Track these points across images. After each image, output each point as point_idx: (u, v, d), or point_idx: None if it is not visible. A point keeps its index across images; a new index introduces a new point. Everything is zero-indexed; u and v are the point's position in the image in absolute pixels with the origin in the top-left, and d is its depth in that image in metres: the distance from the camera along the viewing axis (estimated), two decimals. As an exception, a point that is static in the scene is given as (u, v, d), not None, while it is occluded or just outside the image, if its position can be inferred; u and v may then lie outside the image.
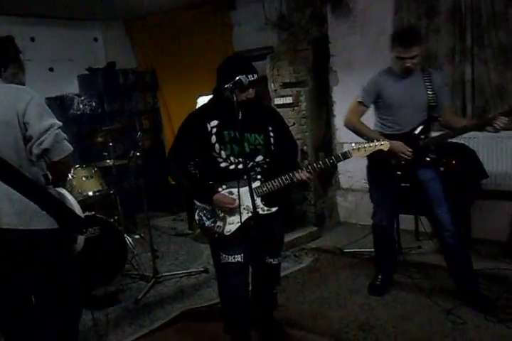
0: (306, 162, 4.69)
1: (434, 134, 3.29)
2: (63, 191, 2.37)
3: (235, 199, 2.49)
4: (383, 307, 3.27)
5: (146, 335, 3.11)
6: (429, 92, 3.15)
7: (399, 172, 3.21)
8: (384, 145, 2.60)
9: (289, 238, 4.39)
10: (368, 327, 3.02)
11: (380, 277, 3.51)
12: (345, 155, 2.59)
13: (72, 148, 2.22)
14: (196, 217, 2.61)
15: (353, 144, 2.61)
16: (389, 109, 3.22)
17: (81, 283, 2.44)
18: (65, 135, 2.19)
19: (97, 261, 3.50)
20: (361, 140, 3.12)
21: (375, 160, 3.19)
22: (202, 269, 3.99)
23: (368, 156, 2.98)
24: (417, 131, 3.19)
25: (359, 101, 3.26)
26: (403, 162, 3.16)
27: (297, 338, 2.93)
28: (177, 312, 3.35)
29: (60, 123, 2.17)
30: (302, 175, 2.53)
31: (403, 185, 3.39)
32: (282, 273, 3.40)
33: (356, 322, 3.10)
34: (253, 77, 2.44)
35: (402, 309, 3.22)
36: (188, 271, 4.00)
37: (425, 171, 3.20)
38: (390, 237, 3.52)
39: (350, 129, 3.31)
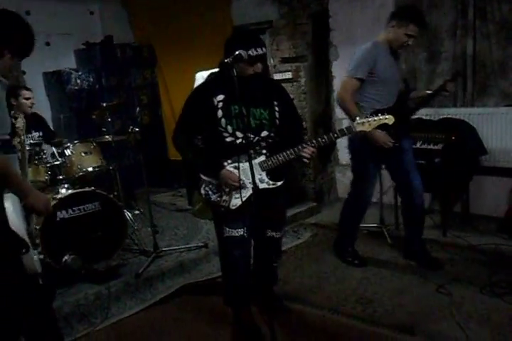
0: (306, 138, 4.68)
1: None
2: (7, 198, 2.05)
3: (239, 177, 2.50)
4: (380, 282, 3.32)
5: (147, 308, 3.15)
6: (401, 67, 3.41)
7: (397, 144, 3.27)
8: (388, 118, 2.59)
9: (288, 213, 4.39)
10: (365, 301, 3.07)
11: (354, 249, 3.67)
12: (350, 130, 2.59)
13: None
14: (202, 192, 2.63)
15: (357, 118, 2.60)
16: (380, 84, 3.25)
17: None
18: None
19: (98, 235, 3.52)
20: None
21: (366, 139, 3.22)
22: (202, 244, 4.02)
23: (354, 138, 3.27)
24: (401, 104, 3.32)
25: (356, 78, 3.22)
26: (392, 131, 3.20)
27: (296, 312, 2.98)
28: (177, 286, 3.39)
29: None
30: (307, 150, 2.53)
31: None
32: (282, 248, 3.43)
33: (354, 295, 3.15)
34: (262, 50, 2.42)
35: (399, 283, 3.27)
36: (188, 245, 4.03)
37: (405, 141, 3.37)
38: None
39: (341, 107, 3.32)
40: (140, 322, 3.01)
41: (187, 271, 3.66)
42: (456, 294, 3.03)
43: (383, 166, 3.60)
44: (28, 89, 4.16)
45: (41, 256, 2.25)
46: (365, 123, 2.58)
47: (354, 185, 3.59)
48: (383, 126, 2.64)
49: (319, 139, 2.57)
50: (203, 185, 2.63)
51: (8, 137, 2.13)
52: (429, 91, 3.48)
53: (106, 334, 2.90)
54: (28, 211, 2.14)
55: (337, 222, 3.81)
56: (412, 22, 3.12)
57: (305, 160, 2.56)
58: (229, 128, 2.52)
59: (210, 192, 2.61)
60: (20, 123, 2.49)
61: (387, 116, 2.59)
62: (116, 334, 2.90)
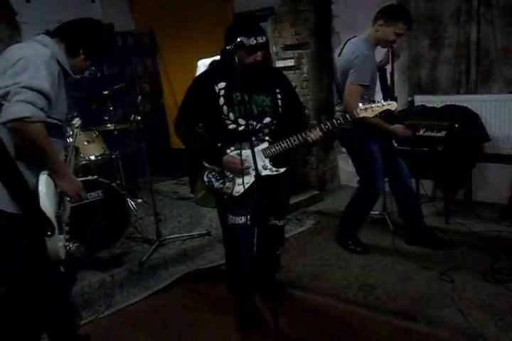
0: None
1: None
2: (42, 179, 2.05)
3: (243, 161, 2.50)
4: (383, 269, 3.33)
5: (150, 296, 3.18)
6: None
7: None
8: (391, 104, 2.60)
9: (291, 201, 4.37)
10: (368, 288, 3.08)
11: (356, 237, 3.70)
12: (353, 116, 2.61)
13: (31, 114, 1.86)
14: (205, 179, 2.63)
15: (360, 104, 2.61)
16: (372, 83, 3.27)
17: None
18: (31, 97, 1.88)
19: (101, 224, 3.54)
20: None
21: (372, 128, 3.23)
22: (205, 232, 4.03)
23: (356, 128, 3.23)
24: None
25: (362, 85, 3.18)
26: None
27: (299, 299, 3.00)
28: (181, 274, 3.41)
29: (35, 85, 1.90)
30: (315, 134, 2.54)
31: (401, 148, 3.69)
32: (284, 236, 3.45)
33: (356, 282, 3.17)
34: (262, 39, 2.41)
35: (401, 270, 3.28)
36: (191, 233, 4.04)
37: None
38: None
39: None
40: (144, 309, 3.04)
41: (190, 259, 3.68)
42: (458, 281, 3.04)
43: None
44: None
45: (68, 244, 2.22)
46: (368, 109, 2.59)
47: (364, 179, 3.53)
48: (385, 113, 2.64)
49: (322, 125, 2.59)
50: (206, 173, 2.63)
51: (60, 123, 2.17)
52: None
53: (110, 321, 2.92)
54: (61, 194, 2.17)
55: (340, 209, 3.82)
56: (401, 21, 3.14)
57: (310, 141, 2.55)
58: (231, 115, 2.52)
59: (213, 179, 2.61)
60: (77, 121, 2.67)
61: (390, 102, 2.60)
62: (120, 321, 2.92)
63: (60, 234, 2.13)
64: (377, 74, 3.34)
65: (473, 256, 3.38)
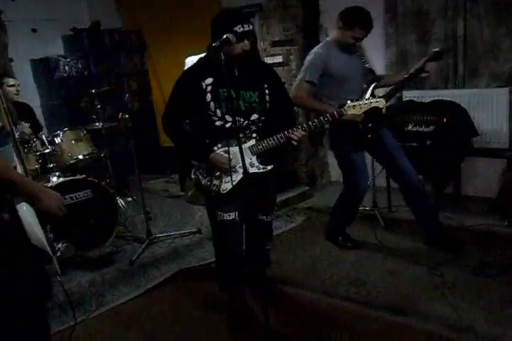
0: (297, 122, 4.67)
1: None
2: (22, 208, 1.77)
3: (231, 159, 2.48)
4: (373, 264, 3.34)
5: (142, 295, 3.16)
6: (364, 61, 3.33)
7: (369, 136, 3.30)
8: (379, 102, 2.58)
9: (280, 198, 4.42)
10: (359, 283, 3.09)
11: (347, 233, 3.67)
12: (340, 113, 2.60)
13: None
14: (193, 176, 2.63)
15: (349, 101, 2.58)
16: (339, 82, 3.25)
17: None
18: None
19: (90, 223, 3.52)
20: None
21: (342, 127, 3.23)
22: (195, 230, 4.03)
23: (331, 127, 3.34)
24: (367, 96, 3.17)
25: (307, 81, 3.21)
26: (370, 125, 3.25)
27: (290, 295, 3.00)
28: (172, 272, 3.40)
29: None
30: (297, 133, 2.52)
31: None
32: (275, 233, 3.46)
33: (347, 278, 3.17)
34: (248, 27, 2.39)
35: (392, 265, 3.29)
36: (182, 231, 4.04)
37: (383, 130, 3.39)
38: None
39: (304, 109, 3.38)
40: (135, 308, 3.02)
41: (181, 257, 3.67)
42: (447, 275, 3.05)
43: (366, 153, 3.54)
44: (11, 76, 4.10)
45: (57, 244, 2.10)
46: (356, 107, 2.57)
47: (346, 177, 3.54)
48: (374, 110, 2.63)
49: (310, 123, 2.58)
50: (193, 170, 2.62)
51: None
52: (406, 75, 3.37)
53: (101, 321, 2.90)
54: (43, 216, 1.86)
55: (330, 205, 3.82)
56: (357, 26, 3.13)
57: (294, 142, 2.54)
58: (218, 111, 2.50)
59: (200, 177, 2.60)
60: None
61: (377, 100, 2.58)
62: (111, 320, 2.90)
63: (54, 254, 1.95)
64: (354, 69, 3.29)
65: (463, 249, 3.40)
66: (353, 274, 3.22)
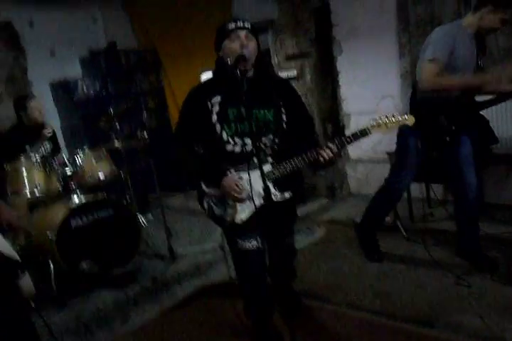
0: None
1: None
2: None
3: (243, 189, 2.28)
4: (397, 275, 3.30)
5: (166, 312, 3.16)
6: (478, 57, 3.06)
7: (448, 138, 3.08)
8: (409, 119, 2.34)
9: (301, 211, 4.39)
10: (383, 295, 3.05)
11: (376, 243, 3.62)
12: (364, 133, 2.31)
13: None
14: (205, 206, 2.44)
15: (372, 120, 2.32)
16: (456, 71, 2.95)
17: None
18: None
19: (113, 242, 3.54)
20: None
21: (423, 120, 2.99)
22: (217, 245, 4.02)
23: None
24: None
25: (432, 59, 2.85)
26: (454, 127, 3.05)
27: (315, 309, 2.98)
28: (194, 289, 3.40)
29: None
30: (329, 151, 2.26)
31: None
32: (296, 247, 3.42)
33: (371, 290, 3.14)
34: (241, 23, 2.26)
35: (416, 276, 3.25)
36: (203, 248, 4.04)
37: (465, 134, 3.11)
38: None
39: (436, 92, 2.98)
40: (159, 326, 3.02)
41: (203, 273, 3.67)
42: (474, 285, 3.00)
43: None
44: (35, 99, 4.19)
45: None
46: (382, 125, 2.32)
47: (391, 171, 3.48)
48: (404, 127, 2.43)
49: (330, 145, 2.30)
50: (205, 199, 2.43)
51: None
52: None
53: (126, 339, 2.91)
54: (4, 228, 2.00)
55: (350, 217, 3.80)
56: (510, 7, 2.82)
57: (323, 160, 2.27)
58: (224, 134, 2.32)
59: (213, 206, 2.40)
60: None
61: (406, 117, 2.35)
62: (136, 339, 2.91)
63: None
64: (473, 62, 3.02)
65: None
66: (377, 286, 3.18)
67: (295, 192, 2.46)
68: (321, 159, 2.27)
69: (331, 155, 2.27)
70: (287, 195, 2.40)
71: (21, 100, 4.12)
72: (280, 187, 2.37)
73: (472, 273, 3.14)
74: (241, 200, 2.31)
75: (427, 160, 3.28)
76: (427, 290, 3.05)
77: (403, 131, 3.29)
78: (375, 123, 2.32)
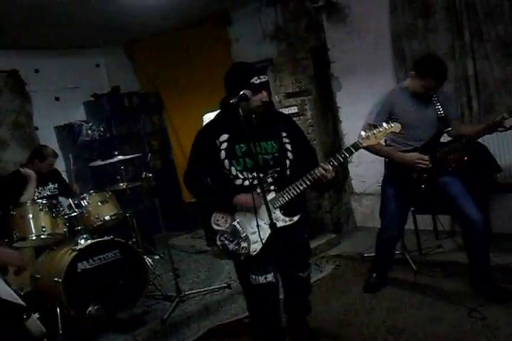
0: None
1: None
2: None
3: (256, 198, 2.36)
4: (410, 310, 3.24)
5: (175, 355, 3.10)
6: (438, 109, 3.23)
7: (423, 186, 3.22)
8: (395, 126, 2.47)
9: (308, 247, 4.37)
10: (397, 331, 2.99)
11: (374, 275, 3.63)
12: (356, 146, 2.46)
13: None
14: (218, 243, 2.49)
15: (362, 132, 2.46)
16: (402, 128, 3.08)
17: None
18: None
19: (120, 284, 3.51)
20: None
21: (396, 173, 3.26)
22: (225, 285, 3.98)
23: (388, 169, 3.32)
24: (430, 144, 3.22)
25: (369, 124, 3.14)
26: (425, 175, 3.20)
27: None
28: (204, 330, 3.33)
29: None
30: (322, 170, 2.39)
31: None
32: (310, 284, 3.38)
33: (384, 326, 3.07)
34: (265, 78, 2.42)
35: (429, 310, 3.18)
36: (211, 287, 3.99)
37: (445, 177, 3.26)
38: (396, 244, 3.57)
39: (374, 153, 3.28)
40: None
41: (212, 314, 3.61)
42: (489, 317, 2.94)
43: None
44: (56, 156, 4.25)
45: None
46: (371, 137, 2.44)
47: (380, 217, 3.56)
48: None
49: (332, 159, 2.44)
50: (218, 236, 2.50)
51: None
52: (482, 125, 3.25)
53: (136, 385, 2.84)
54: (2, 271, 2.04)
55: (358, 251, 3.77)
56: (429, 76, 3.08)
57: (322, 177, 2.39)
58: (233, 169, 2.46)
59: (226, 242, 2.47)
60: None
61: (392, 125, 2.47)
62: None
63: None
64: (420, 117, 3.23)
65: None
66: (390, 322, 3.12)
67: (302, 214, 2.53)
68: (322, 178, 2.39)
69: (330, 171, 2.40)
70: (295, 218, 2.49)
71: (43, 153, 4.17)
72: (287, 211, 2.48)
73: (486, 304, 3.08)
74: (258, 205, 2.36)
75: (430, 192, 3.31)
76: (441, 324, 2.99)
77: (382, 181, 3.46)
78: (364, 136, 2.45)
